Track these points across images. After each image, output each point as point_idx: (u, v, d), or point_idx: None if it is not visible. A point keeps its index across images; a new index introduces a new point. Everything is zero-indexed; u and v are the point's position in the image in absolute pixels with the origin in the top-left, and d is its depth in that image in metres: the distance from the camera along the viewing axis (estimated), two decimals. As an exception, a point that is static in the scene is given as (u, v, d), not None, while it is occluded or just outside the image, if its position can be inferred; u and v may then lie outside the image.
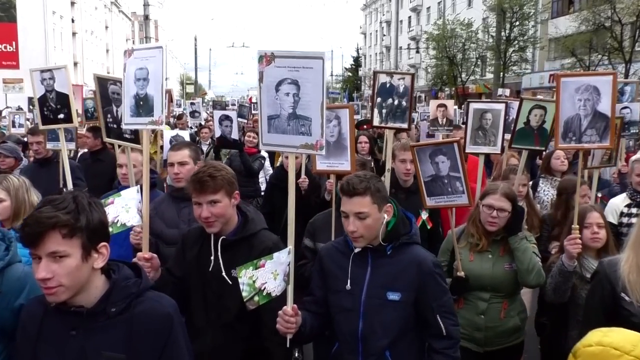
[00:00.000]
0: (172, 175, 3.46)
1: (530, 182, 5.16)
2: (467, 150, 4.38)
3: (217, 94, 68.30)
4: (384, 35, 60.25)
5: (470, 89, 36.63)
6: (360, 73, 63.20)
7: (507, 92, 14.01)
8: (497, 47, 30.71)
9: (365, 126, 9.17)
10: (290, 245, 2.38)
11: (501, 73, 30.88)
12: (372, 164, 6.23)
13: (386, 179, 3.81)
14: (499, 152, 4.54)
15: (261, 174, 7.06)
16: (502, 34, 30.98)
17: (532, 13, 31.39)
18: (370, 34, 68.08)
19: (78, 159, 6.42)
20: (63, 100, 3.72)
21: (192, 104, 13.22)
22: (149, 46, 2.94)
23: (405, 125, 3.94)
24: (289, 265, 2.37)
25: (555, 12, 31.23)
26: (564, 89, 3.10)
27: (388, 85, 3.84)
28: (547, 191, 5.20)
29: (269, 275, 2.34)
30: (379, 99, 3.89)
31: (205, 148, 8.42)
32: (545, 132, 4.31)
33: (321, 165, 3.52)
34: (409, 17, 54.92)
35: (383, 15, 61.79)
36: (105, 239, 1.70)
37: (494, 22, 31.77)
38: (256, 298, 2.32)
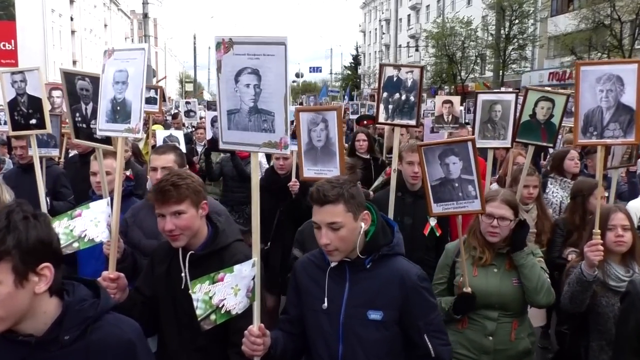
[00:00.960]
0: (154, 181, 3.15)
1: None
2: (476, 146, 4.24)
3: (215, 93, 68.11)
4: (384, 33, 60.16)
5: (469, 87, 36.53)
6: (359, 71, 63.12)
7: (509, 90, 13.53)
8: (496, 45, 30.66)
9: (365, 122, 8.88)
10: (256, 257, 2.15)
11: (500, 71, 30.83)
12: (371, 162, 6.03)
13: (392, 180, 3.62)
14: (509, 145, 4.26)
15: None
16: (502, 32, 30.92)
17: (531, 11, 31.32)
18: (370, 32, 67.98)
19: (67, 161, 6.13)
20: (35, 104, 3.39)
21: (187, 102, 12.74)
22: (131, 47, 2.68)
23: (413, 122, 3.66)
24: (253, 279, 2.13)
25: (554, 10, 31.15)
26: (583, 78, 2.83)
27: (395, 78, 3.59)
28: (556, 193, 4.92)
29: (228, 291, 2.09)
30: (385, 94, 3.62)
31: (200, 149, 8.17)
32: (553, 127, 4.02)
33: (308, 172, 3.21)
34: (409, 15, 54.86)
35: (382, 13, 61.69)
36: (48, 259, 1.46)
37: (494, 20, 31.70)
38: (213, 316, 2.07)
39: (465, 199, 2.90)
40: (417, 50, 46.34)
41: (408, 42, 51.95)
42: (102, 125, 2.58)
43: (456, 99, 7.12)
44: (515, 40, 31.61)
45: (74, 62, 46.69)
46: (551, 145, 4.27)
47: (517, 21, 31.16)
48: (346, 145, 7.61)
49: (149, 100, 7.66)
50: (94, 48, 51.60)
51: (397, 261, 2.23)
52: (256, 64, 2.00)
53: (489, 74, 34.71)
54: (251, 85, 2.03)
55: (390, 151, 6.21)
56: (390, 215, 3.54)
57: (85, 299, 1.56)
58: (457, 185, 2.91)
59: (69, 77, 3.08)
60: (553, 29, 28.86)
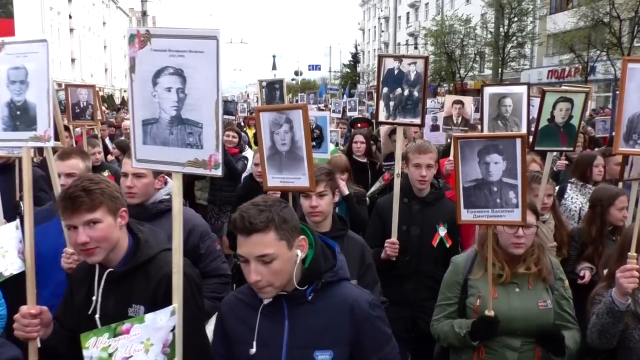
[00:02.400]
0: (125, 188, 2.81)
1: (557, 187, 4.48)
2: None
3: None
4: (383, 31, 60.10)
5: (468, 85, 36.53)
6: (358, 69, 63.06)
7: (520, 82, 12.73)
8: (495, 43, 30.64)
9: (359, 125, 8.36)
10: (177, 301, 1.74)
11: (500, 69, 30.82)
12: (368, 167, 5.66)
13: (395, 185, 3.29)
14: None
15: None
16: (501, 29, 30.89)
17: (530, 9, 31.29)
18: (369, 30, 67.88)
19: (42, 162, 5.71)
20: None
21: None
22: (27, 39, 2.18)
23: (417, 121, 3.25)
24: (173, 330, 1.71)
25: (553, 7, 31.12)
26: (630, 77, 2.45)
27: (396, 71, 3.18)
28: (575, 199, 4.48)
29: (136, 347, 1.66)
30: (385, 89, 3.23)
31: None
32: (572, 129, 3.62)
33: (273, 180, 2.82)
34: (407, 13, 54.80)
35: (381, 11, 61.64)
36: None
37: (493, 18, 31.69)
38: None
39: (504, 207, 2.41)
40: (416, 48, 46.24)
41: (407, 40, 51.84)
42: (1, 135, 2.17)
43: (468, 100, 6.51)
44: (514, 38, 31.57)
45: (73, 60, 46.65)
46: (571, 149, 3.85)
47: (516, 19, 31.12)
48: (343, 146, 7.23)
49: None
50: (92, 46, 51.55)
51: (343, 288, 1.90)
52: (180, 63, 1.62)
53: (488, 71, 34.68)
54: (173, 89, 1.65)
55: (387, 158, 5.80)
56: (395, 224, 3.26)
57: None
58: (495, 189, 2.41)
59: None
60: (552, 26, 28.86)
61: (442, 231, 3.36)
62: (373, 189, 5.15)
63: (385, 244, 3.28)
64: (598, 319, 2.47)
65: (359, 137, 5.81)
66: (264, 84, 6.09)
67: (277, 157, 2.76)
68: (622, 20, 23.11)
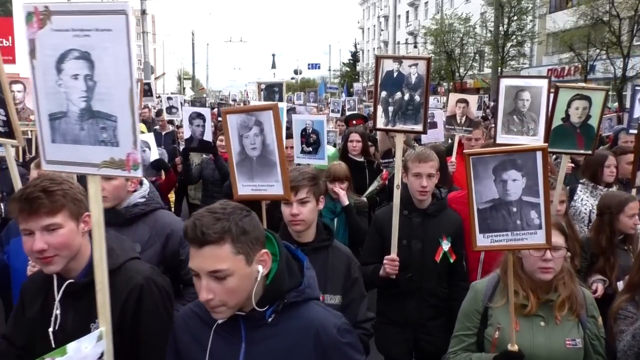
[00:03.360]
0: None
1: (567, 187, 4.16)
2: (498, 141, 3.41)
3: (214, 89, 68.12)
4: (382, 30, 60.04)
5: (468, 84, 36.51)
6: (358, 68, 63.03)
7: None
8: (495, 41, 30.55)
9: (354, 122, 8.04)
10: (104, 325, 1.57)
11: (499, 68, 30.77)
12: (365, 166, 5.40)
13: (395, 197, 3.04)
14: (542, 144, 3.19)
15: None
16: (500, 28, 30.79)
17: (530, 7, 31.26)
18: (368, 28, 67.80)
19: (27, 162, 5.37)
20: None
21: (169, 98, 11.45)
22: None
23: (419, 127, 2.97)
24: (101, 358, 1.54)
25: (553, 6, 31.13)
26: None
27: (395, 74, 2.90)
28: (586, 201, 4.24)
29: None
30: (383, 93, 2.95)
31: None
32: (591, 130, 3.31)
33: (243, 189, 2.56)
34: (407, 12, 54.75)
35: (381, 10, 61.58)
36: None
37: (492, 16, 31.58)
38: None
39: (526, 229, 2.14)
40: (415, 47, 46.20)
41: (407, 39, 51.81)
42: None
43: (472, 99, 6.05)
44: (514, 36, 31.51)
45: (72, 59, 46.58)
46: (589, 152, 3.49)
47: (515, 18, 31.06)
48: (340, 144, 6.84)
49: (146, 92, 7.23)
50: (91, 44, 51.47)
51: (310, 310, 1.66)
52: (85, 44, 1.37)
53: (487, 70, 34.62)
54: (80, 76, 1.40)
55: (384, 155, 5.56)
56: (394, 238, 3.01)
57: None
58: (515, 210, 2.15)
59: None
60: (552, 25, 28.86)
61: (446, 245, 3.12)
62: (371, 188, 4.99)
63: (385, 261, 3.04)
64: (636, 340, 2.21)
65: (355, 136, 5.49)
66: (263, 86, 5.85)
67: (247, 163, 2.52)
68: (621, 19, 23.05)
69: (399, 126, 3.00)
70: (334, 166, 4.20)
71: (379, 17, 62.45)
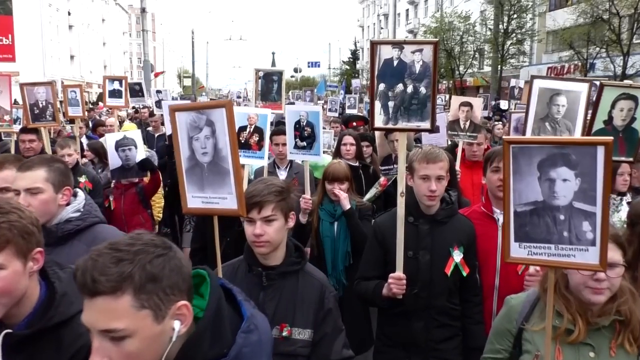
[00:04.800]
0: None
1: None
2: None
3: (214, 88, 68.02)
4: (382, 28, 59.95)
5: (468, 82, 36.50)
6: (357, 66, 62.99)
7: (522, 82, 11.44)
8: (495, 40, 30.51)
9: (355, 123, 7.53)
10: None
11: (499, 66, 30.76)
12: (360, 170, 5.00)
13: (399, 206, 2.58)
14: None
15: None
16: (500, 26, 30.74)
17: (530, 5, 31.20)
18: (368, 26, 67.68)
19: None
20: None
21: (158, 92, 11.01)
22: None
23: (426, 125, 2.50)
24: None
25: (553, 4, 31.11)
26: None
27: (396, 62, 2.43)
28: None
29: None
30: (381, 86, 2.46)
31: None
32: (634, 134, 2.90)
33: (193, 201, 2.20)
34: (407, 10, 54.65)
35: (381, 8, 61.47)
36: None
37: (492, 14, 31.55)
38: None
39: (574, 244, 1.73)
40: (415, 45, 46.15)
41: (406, 37, 51.81)
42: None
43: (477, 102, 5.43)
44: (514, 34, 31.42)
45: (72, 57, 46.52)
46: (631, 159, 3.10)
47: (515, 16, 30.98)
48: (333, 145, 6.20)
49: (114, 93, 6.78)
50: (91, 43, 51.44)
51: None
52: None
53: (487, 68, 34.59)
54: None
55: (384, 162, 5.07)
56: (400, 252, 2.57)
57: None
58: (563, 218, 1.74)
59: None
60: (551, 23, 28.85)
61: (457, 256, 2.71)
62: (368, 195, 4.62)
63: (390, 280, 2.60)
64: None
65: (348, 139, 5.10)
66: (261, 74, 5.32)
67: (197, 170, 2.16)
68: (621, 17, 23.18)
69: (401, 124, 2.50)
70: (332, 165, 3.82)
71: (378, 15, 62.36)
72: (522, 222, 1.78)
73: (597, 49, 24.82)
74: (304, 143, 4.01)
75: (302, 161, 4.36)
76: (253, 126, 3.85)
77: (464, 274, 2.72)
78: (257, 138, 3.83)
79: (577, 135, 2.94)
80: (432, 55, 2.41)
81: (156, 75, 32.18)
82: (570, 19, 25.38)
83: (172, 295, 1.19)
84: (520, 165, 1.75)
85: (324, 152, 6.44)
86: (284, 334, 2.08)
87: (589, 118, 3.06)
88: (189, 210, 2.22)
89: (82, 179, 4.92)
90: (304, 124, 4.01)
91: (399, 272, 2.60)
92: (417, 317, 2.73)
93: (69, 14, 45.24)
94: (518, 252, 1.81)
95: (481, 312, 2.82)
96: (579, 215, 1.72)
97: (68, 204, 2.36)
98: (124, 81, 6.94)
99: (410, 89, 2.45)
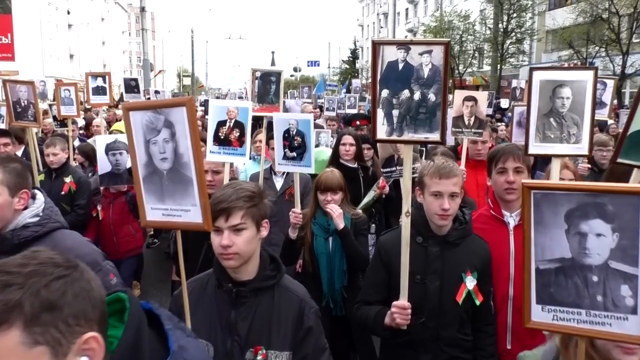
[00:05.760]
0: None
1: None
2: (530, 151, 2.69)
3: (214, 87, 67.98)
4: (382, 27, 59.89)
5: (467, 81, 36.45)
6: (357, 65, 62.94)
7: (523, 83, 11.19)
8: (494, 39, 30.45)
9: (358, 122, 7.19)
10: None
11: (498, 65, 30.74)
12: (360, 172, 4.71)
13: (404, 227, 2.26)
14: (587, 153, 2.74)
15: None
16: (500, 25, 30.69)
17: (529, 5, 31.16)
18: (368, 25, 67.60)
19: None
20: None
21: (156, 92, 10.73)
22: None
23: (435, 136, 2.18)
24: None
25: (552, 3, 31.09)
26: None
27: (401, 65, 2.14)
28: None
29: None
30: (385, 92, 2.17)
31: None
32: None
33: (153, 213, 1.93)
34: (406, 9, 54.56)
35: (380, 7, 61.39)
36: None
37: (492, 13, 31.51)
38: None
39: (611, 310, 1.45)
40: (415, 44, 46.12)
41: (406, 36, 51.75)
42: None
43: (482, 96, 4.98)
44: (513, 34, 31.36)
45: (71, 56, 46.47)
46: None
47: (515, 15, 30.92)
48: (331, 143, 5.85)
49: (97, 91, 6.52)
50: (90, 42, 51.37)
51: None
52: None
53: (486, 67, 34.55)
54: None
55: (386, 163, 4.70)
56: (404, 275, 2.27)
57: None
58: (596, 279, 1.46)
59: None
60: (551, 22, 28.83)
61: (470, 282, 2.43)
62: (366, 199, 4.36)
63: (393, 309, 2.32)
64: None
65: (348, 138, 4.75)
66: (258, 74, 4.94)
67: (155, 178, 1.90)
68: (620, 16, 23.20)
69: (407, 135, 2.19)
70: (325, 174, 3.49)
71: (378, 14, 62.29)
72: (546, 281, 1.51)
73: (597, 48, 24.82)
74: (294, 154, 3.67)
75: (287, 173, 4.07)
76: (233, 120, 3.53)
77: (477, 302, 2.43)
78: (238, 133, 3.52)
79: (587, 129, 2.57)
80: (442, 58, 2.10)
81: (155, 75, 32.09)
82: (570, 18, 25.38)
83: (77, 326, 0.96)
84: (544, 215, 1.47)
85: (326, 145, 6.31)
86: (259, 358, 1.84)
87: (601, 112, 2.75)
88: (148, 223, 1.96)
89: (68, 179, 4.80)
90: (294, 133, 3.67)
91: (404, 300, 2.31)
92: (423, 348, 2.45)
93: (68, 12, 45.15)
94: (541, 316, 1.53)
95: (494, 344, 2.54)
96: (616, 277, 1.44)
97: (26, 208, 2.17)
98: (107, 77, 6.62)
99: (417, 95, 2.16)
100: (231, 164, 3.71)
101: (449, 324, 2.44)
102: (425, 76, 2.14)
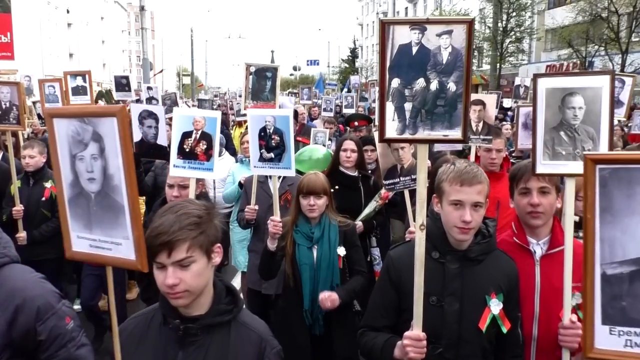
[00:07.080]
0: None
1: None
2: (538, 171, 2.19)
3: (213, 86, 67.93)
4: (381, 26, 59.92)
5: (466, 80, 36.46)
6: (357, 64, 62.88)
7: (527, 81, 10.66)
8: (493, 38, 30.40)
9: (357, 123, 6.62)
10: None
11: (498, 64, 30.70)
12: (360, 182, 4.31)
13: (419, 242, 1.87)
14: None
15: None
16: (499, 24, 30.62)
17: (528, 4, 31.11)
18: (367, 25, 67.55)
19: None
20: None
21: (149, 88, 10.18)
22: None
23: (457, 134, 1.76)
24: None
25: (552, 2, 31.07)
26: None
27: (415, 49, 1.74)
28: None
29: None
30: (396, 81, 1.76)
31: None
32: None
33: (79, 242, 1.59)
34: (406, 8, 54.50)
35: (380, 6, 61.36)
36: None
37: (491, 13, 31.47)
38: None
39: None
40: (414, 43, 46.05)
41: (405, 35, 51.65)
42: None
43: (490, 99, 4.48)
44: (513, 33, 31.34)
45: (70, 55, 46.42)
46: None
47: (514, 14, 30.85)
48: (329, 145, 5.65)
49: (77, 91, 6.20)
50: (90, 41, 51.31)
51: None
52: None
53: (486, 67, 34.52)
54: None
55: (388, 175, 4.10)
56: (418, 299, 1.89)
57: None
58: None
59: None
60: (550, 21, 28.82)
61: (496, 306, 2.06)
62: (367, 210, 4.03)
63: (405, 340, 1.92)
64: None
65: (349, 144, 4.33)
66: (252, 69, 4.47)
67: (82, 201, 1.55)
68: (620, 15, 23.21)
69: (423, 133, 1.78)
70: (308, 176, 3.15)
71: (377, 13, 62.27)
72: (616, 292, 1.12)
73: (596, 47, 24.79)
74: (271, 154, 3.31)
75: (268, 177, 3.75)
76: (200, 132, 3.21)
77: (504, 330, 2.06)
78: (205, 146, 3.18)
79: (604, 143, 2.08)
80: (465, 39, 1.71)
81: (155, 75, 32.04)
82: (569, 17, 25.39)
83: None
84: (613, 199, 1.08)
85: (323, 145, 5.89)
86: None
87: (617, 111, 2.33)
88: (74, 254, 1.60)
89: (48, 185, 4.59)
90: (271, 131, 3.31)
91: (418, 330, 1.91)
92: None
93: (68, 11, 45.07)
94: (608, 341, 1.13)
95: None
96: None
97: None
98: (87, 76, 6.25)
99: (434, 85, 1.76)
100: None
101: (470, 355, 2.06)
102: (444, 62, 1.74)
